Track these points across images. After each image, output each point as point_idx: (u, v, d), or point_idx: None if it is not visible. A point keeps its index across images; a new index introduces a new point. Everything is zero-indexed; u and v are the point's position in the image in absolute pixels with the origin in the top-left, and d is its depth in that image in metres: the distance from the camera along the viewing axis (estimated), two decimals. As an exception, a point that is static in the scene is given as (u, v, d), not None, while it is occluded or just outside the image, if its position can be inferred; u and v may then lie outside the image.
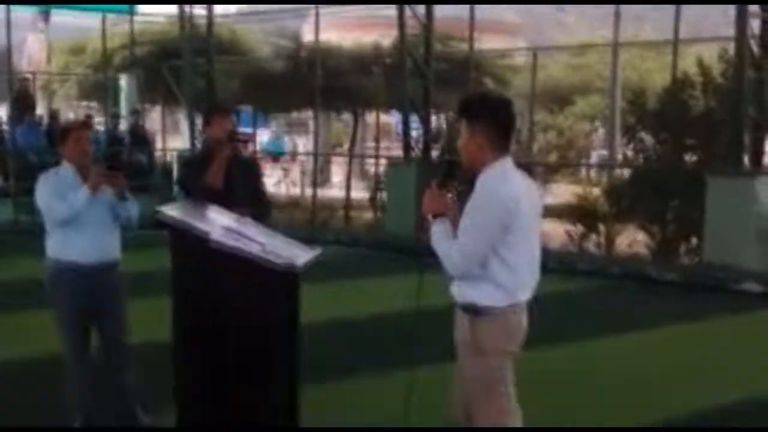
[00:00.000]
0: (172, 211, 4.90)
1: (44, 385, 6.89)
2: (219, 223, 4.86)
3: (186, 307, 4.81)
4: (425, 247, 4.30)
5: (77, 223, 5.52)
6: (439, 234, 4.19)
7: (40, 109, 23.55)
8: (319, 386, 6.79)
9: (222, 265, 4.66)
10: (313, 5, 18.16)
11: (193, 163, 6.15)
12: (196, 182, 5.68)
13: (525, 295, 4.27)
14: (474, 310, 4.20)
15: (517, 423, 4.36)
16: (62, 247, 5.60)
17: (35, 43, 37.23)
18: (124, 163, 5.64)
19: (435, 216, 4.21)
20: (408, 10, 15.65)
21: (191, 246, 4.70)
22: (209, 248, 4.61)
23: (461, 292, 4.24)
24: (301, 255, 4.94)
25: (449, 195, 4.31)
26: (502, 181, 4.12)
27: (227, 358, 4.71)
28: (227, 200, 5.39)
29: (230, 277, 4.71)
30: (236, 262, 4.64)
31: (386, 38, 19.76)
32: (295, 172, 25.67)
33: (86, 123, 6.93)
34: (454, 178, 4.34)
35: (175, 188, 10.72)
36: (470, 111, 4.21)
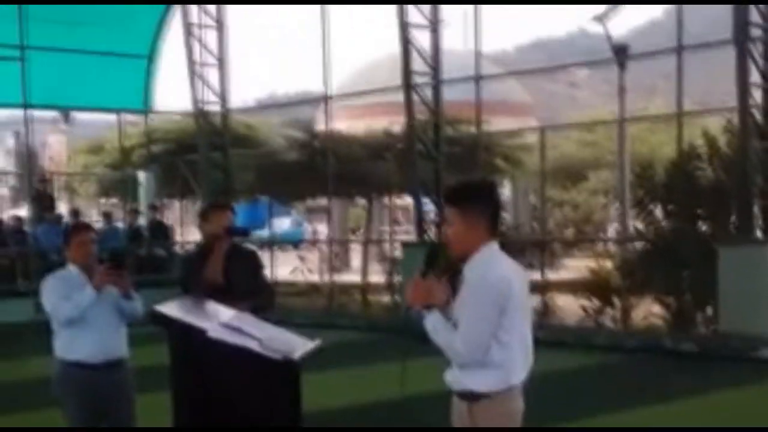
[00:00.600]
0: (170, 307, 5.02)
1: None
2: (217, 319, 4.96)
3: (185, 401, 4.90)
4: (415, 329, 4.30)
5: (83, 322, 5.63)
6: (435, 325, 4.13)
7: (63, 208, 23.95)
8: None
9: (220, 359, 4.77)
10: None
11: (192, 259, 6.21)
12: (196, 278, 5.75)
13: (521, 376, 4.22)
14: (471, 397, 4.13)
15: None
16: (69, 346, 5.71)
17: (57, 143, 38.03)
18: (126, 260, 5.75)
19: (423, 306, 4.18)
20: (415, 95, 15.92)
21: (189, 341, 4.81)
22: (206, 343, 4.71)
23: (457, 379, 4.18)
24: (299, 348, 5.03)
25: (436, 281, 4.21)
26: (493, 265, 4.12)
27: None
28: (228, 294, 5.47)
29: (229, 370, 4.81)
30: (234, 355, 4.74)
31: (396, 124, 20.05)
32: (315, 258, 25.79)
33: (89, 225, 7.07)
34: (438, 264, 4.28)
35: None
36: (464, 198, 4.19)
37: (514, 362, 4.16)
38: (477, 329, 4.03)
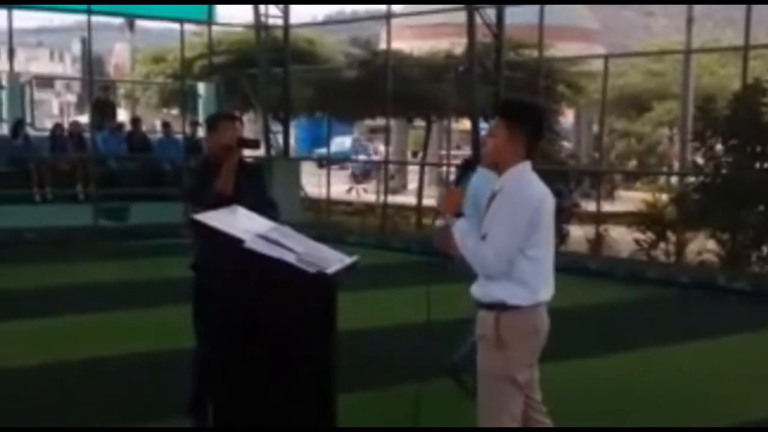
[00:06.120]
0: (207, 216, 5.02)
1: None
2: (254, 230, 4.96)
3: (216, 313, 4.93)
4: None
5: None
6: (464, 232, 4.29)
7: (124, 116, 24.15)
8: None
9: (255, 270, 4.78)
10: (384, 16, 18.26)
11: (200, 171, 6.08)
12: (206, 189, 5.68)
13: (547, 294, 4.36)
14: (501, 307, 4.26)
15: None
16: None
17: (122, 51, 38.28)
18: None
19: (454, 214, 4.35)
20: (478, 17, 15.64)
21: (225, 251, 4.82)
22: (242, 253, 4.72)
23: (486, 291, 4.31)
24: (334, 263, 5.03)
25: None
26: (528, 182, 4.29)
27: (255, 363, 4.82)
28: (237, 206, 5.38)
29: (263, 282, 4.82)
30: (269, 267, 4.74)
31: (459, 46, 19.80)
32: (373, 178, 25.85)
33: None
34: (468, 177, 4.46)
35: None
36: (515, 115, 4.36)
37: (542, 279, 4.31)
38: (506, 239, 4.16)
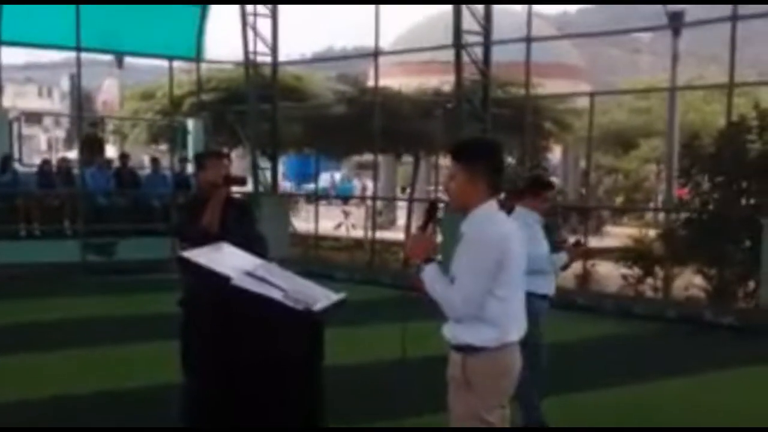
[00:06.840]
0: (195, 254, 5.05)
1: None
2: (241, 267, 4.99)
3: (205, 349, 4.94)
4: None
5: None
6: (433, 278, 4.22)
7: (113, 152, 24.19)
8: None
9: (242, 307, 4.80)
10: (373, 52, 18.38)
11: (188, 207, 6.15)
12: (192, 226, 5.73)
13: (518, 333, 4.31)
14: (467, 350, 4.23)
15: None
16: None
17: (111, 87, 38.40)
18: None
19: (423, 260, 4.28)
20: (466, 55, 15.76)
21: (212, 289, 4.84)
22: (229, 290, 4.74)
23: (455, 333, 4.28)
24: (321, 300, 5.05)
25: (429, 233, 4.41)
26: (492, 222, 4.23)
27: (243, 399, 4.83)
28: (223, 243, 5.42)
29: (250, 318, 4.83)
30: (256, 304, 4.76)
31: (447, 83, 19.96)
32: (361, 214, 25.87)
33: None
34: (435, 219, 4.46)
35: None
36: (469, 155, 4.31)
37: (511, 319, 4.27)
38: (473, 284, 4.12)
